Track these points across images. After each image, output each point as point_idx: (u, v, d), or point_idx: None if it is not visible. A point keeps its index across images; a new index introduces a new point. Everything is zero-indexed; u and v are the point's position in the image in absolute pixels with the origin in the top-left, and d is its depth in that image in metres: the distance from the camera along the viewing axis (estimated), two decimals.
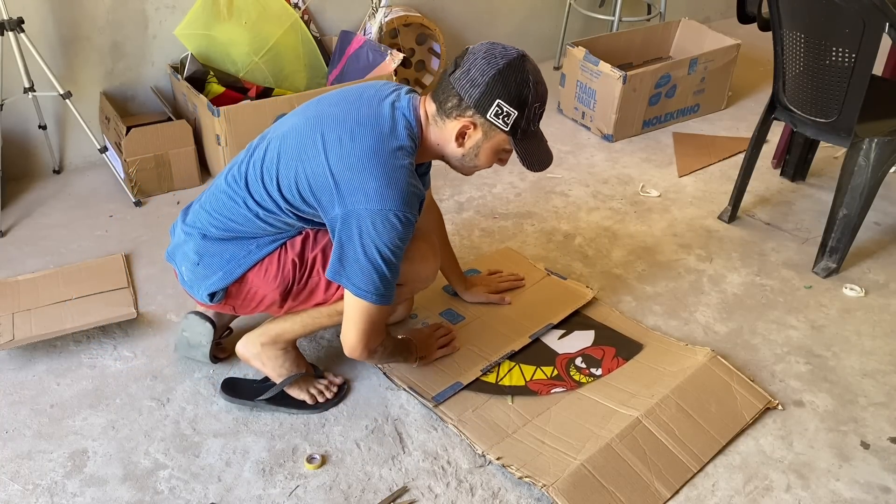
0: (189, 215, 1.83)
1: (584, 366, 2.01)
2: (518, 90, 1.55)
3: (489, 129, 1.60)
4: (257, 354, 1.87)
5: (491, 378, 1.97)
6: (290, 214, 1.69)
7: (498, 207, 2.71)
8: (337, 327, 2.01)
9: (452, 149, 1.65)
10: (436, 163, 1.81)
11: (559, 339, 2.11)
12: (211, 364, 2.00)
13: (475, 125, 1.60)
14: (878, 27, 2.01)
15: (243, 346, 1.89)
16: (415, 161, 1.64)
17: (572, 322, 2.17)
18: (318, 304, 1.81)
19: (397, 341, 1.92)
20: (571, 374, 1.99)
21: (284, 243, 1.76)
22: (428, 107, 1.65)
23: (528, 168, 1.68)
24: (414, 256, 1.74)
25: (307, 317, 1.83)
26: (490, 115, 1.57)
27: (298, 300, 1.80)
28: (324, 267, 1.75)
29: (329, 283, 1.77)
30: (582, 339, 2.11)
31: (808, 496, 1.74)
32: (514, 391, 1.93)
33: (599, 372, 1.99)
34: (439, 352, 2.00)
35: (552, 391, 1.93)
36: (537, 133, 1.67)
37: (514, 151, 1.66)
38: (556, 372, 1.99)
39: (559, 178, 2.90)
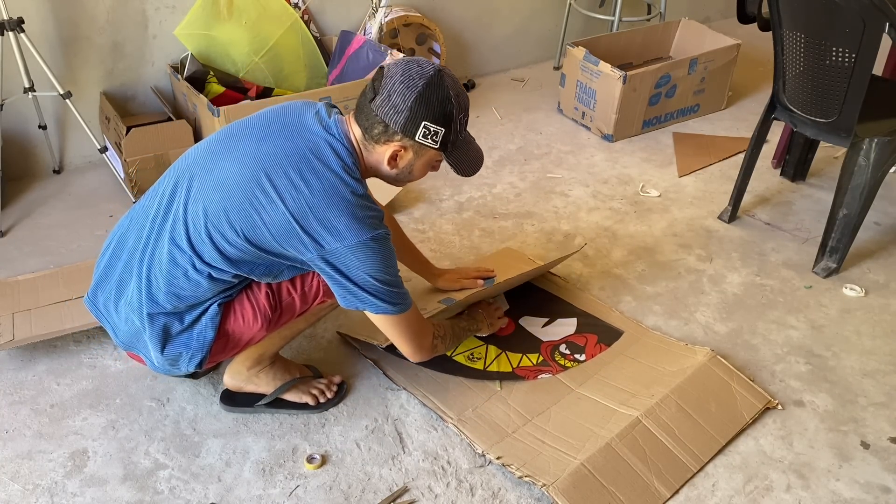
0: (126, 296, 1.67)
1: (568, 352, 2.06)
2: (441, 108, 1.53)
3: (419, 149, 1.59)
4: (247, 379, 1.86)
5: (479, 365, 2.00)
6: (244, 268, 1.61)
7: (498, 207, 2.71)
8: (316, 325, 2.00)
9: (385, 170, 1.63)
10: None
11: (543, 326, 2.15)
12: (206, 374, 2.00)
13: (405, 147, 1.58)
14: (878, 27, 2.01)
15: (231, 378, 1.87)
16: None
17: (555, 310, 2.21)
18: (298, 316, 1.78)
19: (459, 322, 1.99)
20: (556, 359, 2.03)
21: (246, 287, 1.70)
22: (354, 130, 1.61)
23: (461, 175, 1.68)
24: None
25: (284, 328, 1.80)
26: (419, 137, 1.55)
27: (280, 323, 1.76)
28: (292, 284, 1.72)
29: (304, 294, 1.73)
30: (565, 327, 2.15)
31: (808, 496, 1.74)
32: (502, 377, 1.97)
33: (583, 357, 2.04)
34: (500, 321, 2.11)
35: (539, 376, 1.97)
36: (466, 138, 1.66)
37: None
38: (541, 358, 2.03)
39: (559, 178, 2.90)
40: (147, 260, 1.62)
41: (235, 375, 1.86)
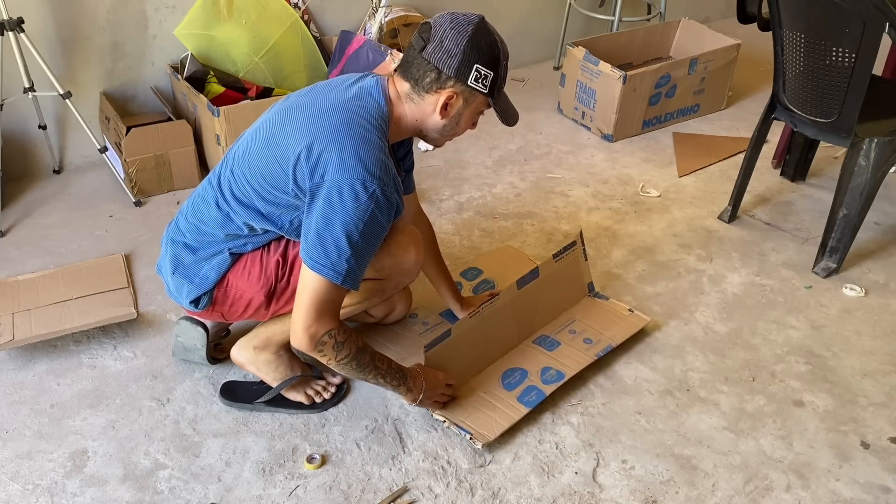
0: (171, 226, 1.84)
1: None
2: (490, 51, 1.60)
3: (469, 95, 1.63)
4: (251, 359, 1.88)
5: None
6: (259, 213, 1.67)
7: (498, 207, 2.71)
8: None
9: (435, 121, 1.66)
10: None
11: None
12: (210, 365, 2.00)
13: (457, 94, 1.62)
14: (878, 27, 2.01)
15: (237, 352, 1.90)
16: (388, 140, 1.64)
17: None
18: None
19: (393, 364, 1.75)
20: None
21: (263, 246, 1.76)
22: (399, 86, 1.65)
23: (505, 123, 1.72)
24: (394, 249, 1.74)
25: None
26: (471, 80, 1.60)
27: (282, 300, 1.79)
28: None
29: None
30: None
31: (808, 496, 1.74)
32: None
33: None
34: (436, 404, 1.85)
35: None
36: (504, 93, 1.72)
37: (492, 110, 1.70)
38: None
39: (559, 178, 2.90)
40: (192, 198, 1.81)
41: (242, 350, 1.90)
